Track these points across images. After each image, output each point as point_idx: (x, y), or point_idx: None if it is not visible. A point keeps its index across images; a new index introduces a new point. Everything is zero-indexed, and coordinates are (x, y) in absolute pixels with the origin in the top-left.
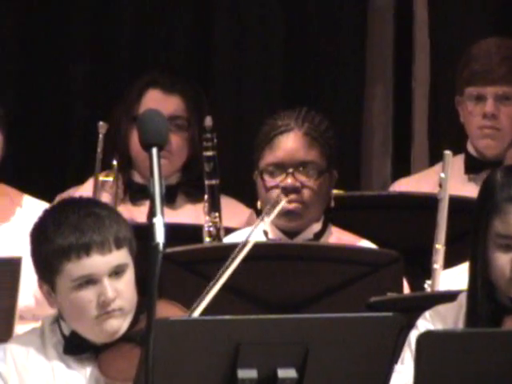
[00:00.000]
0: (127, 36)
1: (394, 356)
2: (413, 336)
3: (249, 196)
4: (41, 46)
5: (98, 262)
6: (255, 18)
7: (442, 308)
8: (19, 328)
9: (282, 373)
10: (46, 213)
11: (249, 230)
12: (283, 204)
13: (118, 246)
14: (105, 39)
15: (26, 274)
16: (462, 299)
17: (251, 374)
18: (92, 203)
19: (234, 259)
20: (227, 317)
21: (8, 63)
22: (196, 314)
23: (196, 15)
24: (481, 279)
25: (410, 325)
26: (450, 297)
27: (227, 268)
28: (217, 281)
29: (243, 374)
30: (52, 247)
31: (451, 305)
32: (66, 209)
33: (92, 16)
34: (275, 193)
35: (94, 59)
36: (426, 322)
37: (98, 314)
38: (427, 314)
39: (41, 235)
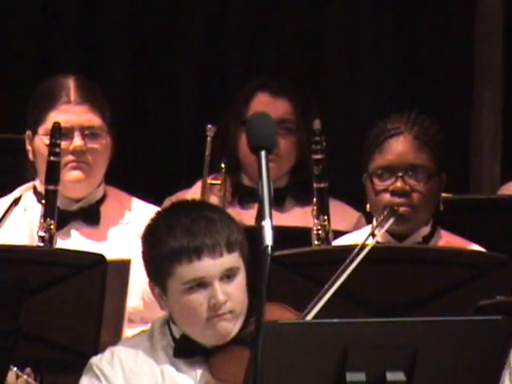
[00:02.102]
0: (237, 40)
1: (504, 360)
2: None
3: (358, 199)
4: (150, 50)
5: (209, 266)
6: (365, 21)
7: None
8: (128, 331)
9: (391, 376)
10: (159, 215)
11: (357, 233)
12: (394, 208)
13: (230, 250)
14: (214, 43)
15: (135, 276)
16: None
17: (360, 377)
18: (204, 206)
19: (349, 264)
20: (336, 320)
21: (118, 68)
22: (309, 317)
23: (306, 19)
24: None
25: None
26: None
27: (342, 272)
28: (331, 285)
29: (352, 377)
30: (164, 250)
31: None
32: (179, 211)
33: (202, 20)
34: (385, 196)
35: (203, 63)
36: None
37: (209, 317)
38: None
39: (153, 238)
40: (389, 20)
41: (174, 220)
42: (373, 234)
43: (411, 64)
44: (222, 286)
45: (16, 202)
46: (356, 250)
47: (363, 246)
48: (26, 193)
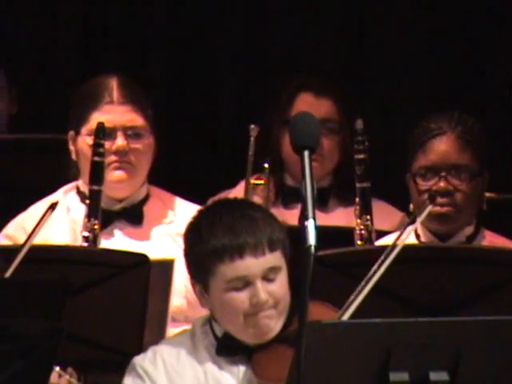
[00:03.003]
0: (279, 39)
1: None
2: None
3: (401, 199)
4: (190, 49)
5: (251, 264)
6: (405, 20)
7: None
8: (171, 330)
9: (434, 376)
10: (200, 213)
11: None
12: (434, 208)
13: (272, 249)
14: (256, 42)
15: (178, 275)
16: None
17: (403, 376)
18: (246, 205)
19: (383, 262)
20: (379, 320)
21: (158, 67)
22: (345, 316)
23: (347, 18)
24: None
25: None
26: None
27: (376, 271)
28: (366, 283)
29: (395, 376)
30: (205, 248)
31: None
32: (221, 210)
33: (243, 20)
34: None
35: (245, 62)
36: None
37: (250, 316)
38: None
39: (194, 236)
40: (428, 18)
41: (215, 218)
42: (416, 234)
43: (452, 63)
44: (264, 284)
45: (52, 207)
46: (389, 248)
47: (396, 245)
48: (68, 193)
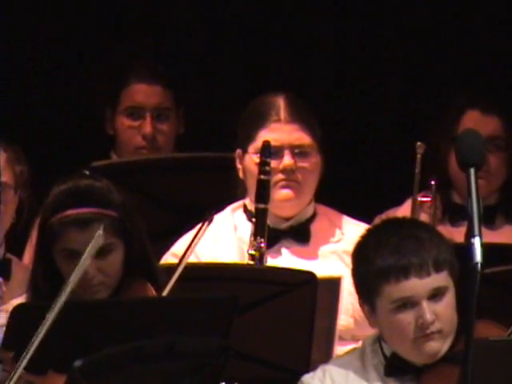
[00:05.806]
0: (445, 54)
1: None
2: None
3: None
4: (355, 64)
5: (416, 285)
6: None
7: None
8: (338, 349)
9: None
10: (369, 233)
11: None
12: None
13: (438, 269)
14: (423, 59)
15: (345, 294)
16: None
17: None
18: (414, 225)
19: None
20: None
21: (324, 85)
22: None
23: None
24: None
25: None
26: None
27: None
28: None
29: None
30: (372, 268)
31: None
32: (388, 230)
33: (409, 35)
34: None
35: (411, 79)
36: None
37: (417, 337)
38: None
39: (362, 255)
40: None
41: (382, 238)
42: None
43: None
44: (429, 305)
45: (209, 219)
46: None
47: None
48: (236, 211)
